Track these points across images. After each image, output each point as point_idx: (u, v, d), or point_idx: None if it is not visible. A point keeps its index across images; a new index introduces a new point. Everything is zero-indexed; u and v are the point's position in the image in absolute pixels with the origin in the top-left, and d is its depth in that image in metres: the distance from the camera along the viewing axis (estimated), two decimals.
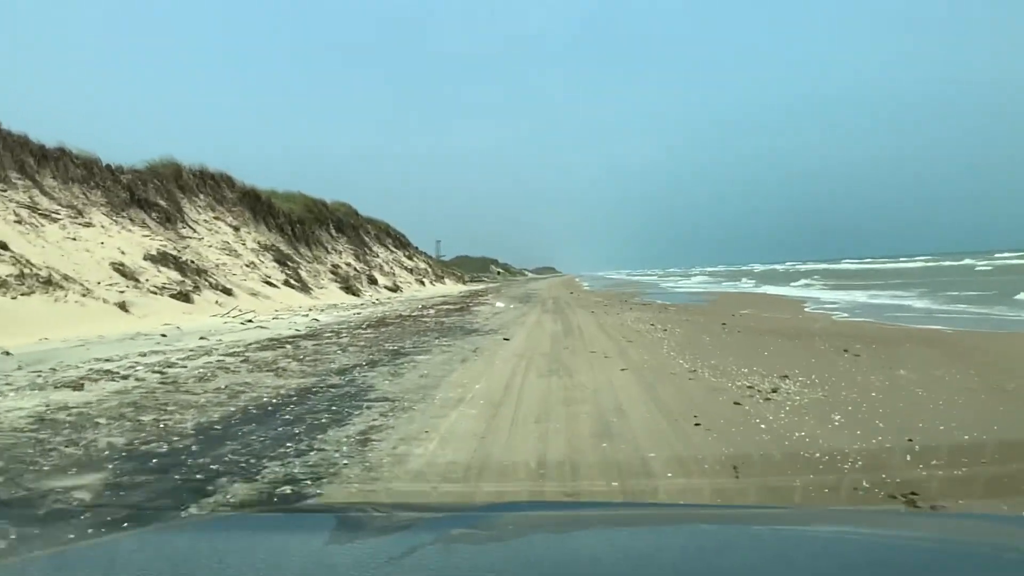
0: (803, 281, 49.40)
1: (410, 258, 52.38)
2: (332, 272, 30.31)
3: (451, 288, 50.51)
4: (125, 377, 8.30)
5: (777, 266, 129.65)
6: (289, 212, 32.25)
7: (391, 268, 42.93)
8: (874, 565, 1.14)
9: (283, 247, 29.01)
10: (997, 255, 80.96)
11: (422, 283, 45.05)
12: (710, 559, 1.21)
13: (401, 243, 54.00)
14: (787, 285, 42.71)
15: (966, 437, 5.08)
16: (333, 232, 39.07)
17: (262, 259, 25.66)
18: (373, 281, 35.55)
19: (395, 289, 37.06)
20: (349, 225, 41.98)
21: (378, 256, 43.66)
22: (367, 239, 44.96)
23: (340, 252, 36.94)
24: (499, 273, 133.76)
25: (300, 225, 32.76)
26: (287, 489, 4.11)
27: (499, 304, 25.54)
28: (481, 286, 63.07)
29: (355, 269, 35.27)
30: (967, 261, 71.39)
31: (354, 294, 29.17)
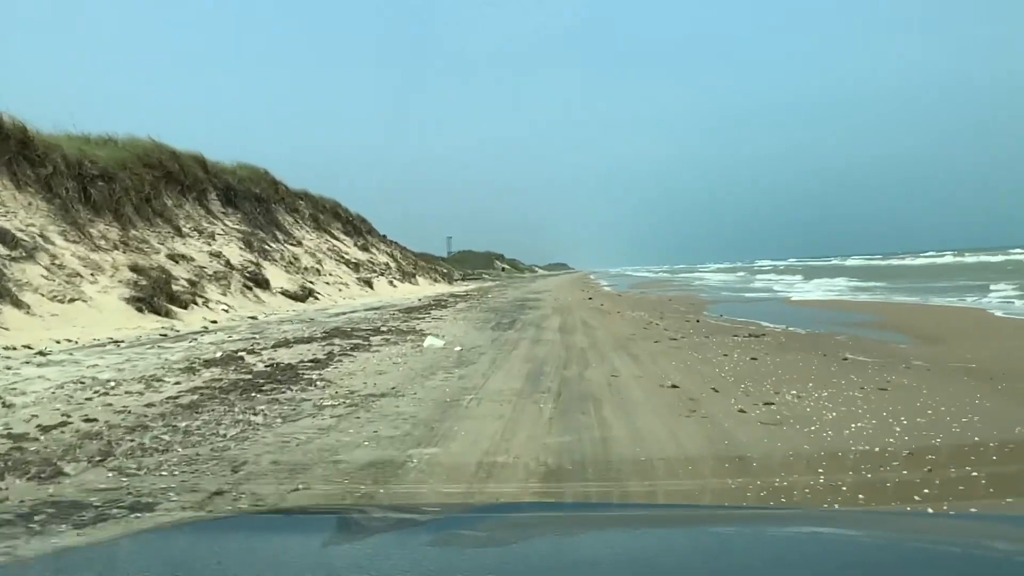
0: (877, 282, 35.31)
1: (365, 248, 37.93)
2: (136, 268, 15.85)
3: (419, 291, 36.06)
4: None
5: (779, 262, 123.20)
6: (80, 160, 17.85)
7: (316, 262, 28.41)
8: (876, 566, 1.14)
9: (16, 215, 14.63)
10: (1013, 250, 74.22)
11: (368, 285, 30.53)
12: (711, 561, 1.20)
13: (356, 229, 39.56)
14: (880, 287, 27.76)
15: None
16: (214, 205, 24.73)
17: None
18: (259, 283, 21.16)
19: (303, 296, 22.63)
20: (251, 197, 27.55)
21: (300, 244, 29.20)
22: (286, 219, 30.55)
23: (213, 235, 22.55)
24: (503, 270, 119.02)
25: (108, 183, 18.36)
26: None
27: (433, 341, 10.96)
28: (469, 287, 48.60)
29: (225, 263, 20.85)
30: (985, 259, 59.36)
31: (159, 312, 14.72)
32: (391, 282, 35.01)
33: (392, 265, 39.07)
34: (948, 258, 73.63)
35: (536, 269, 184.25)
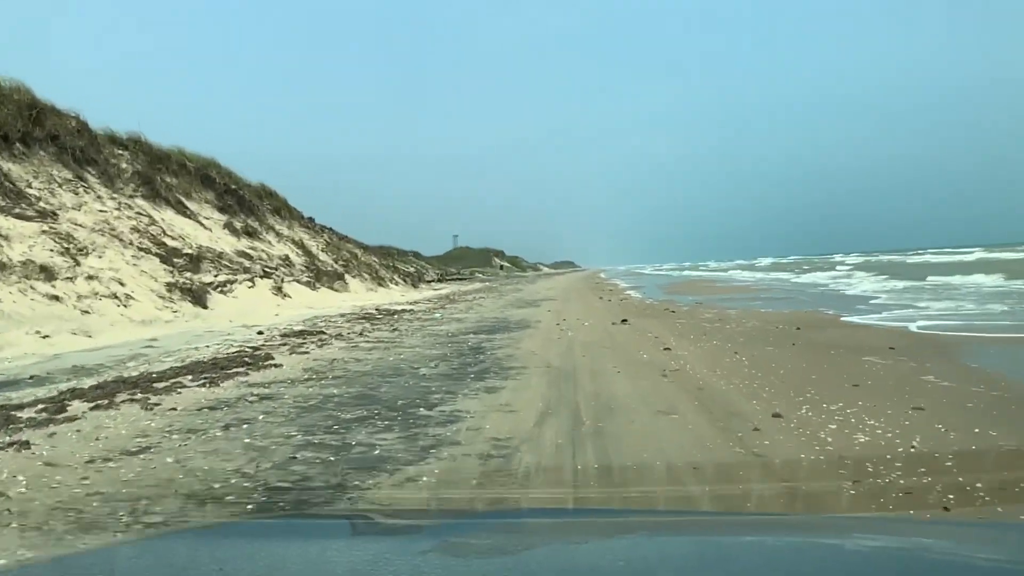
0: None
1: (250, 234, 23.30)
2: None
3: (333, 303, 21.51)
4: None
5: (778, 259, 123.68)
6: None
7: (62, 252, 13.74)
8: (877, 573, 1.14)
9: None
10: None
11: (194, 297, 15.87)
12: (712, 568, 1.20)
13: (243, 204, 24.94)
14: None
15: None
16: None
17: None
18: None
19: None
20: None
21: (51, 216, 14.62)
22: (45, 170, 16.02)
23: None
24: (501, 268, 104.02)
25: None
26: None
27: None
28: (441, 291, 34.00)
29: None
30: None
31: None
32: (278, 289, 20.37)
33: (297, 261, 24.40)
34: (976, 254, 60.94)
35: (541, 267, 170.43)
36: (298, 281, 22.99)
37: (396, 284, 34.33)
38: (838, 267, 54.40)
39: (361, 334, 12.28)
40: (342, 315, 16.91)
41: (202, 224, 20.90)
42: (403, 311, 19.42)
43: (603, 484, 4.06)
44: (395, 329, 13.37)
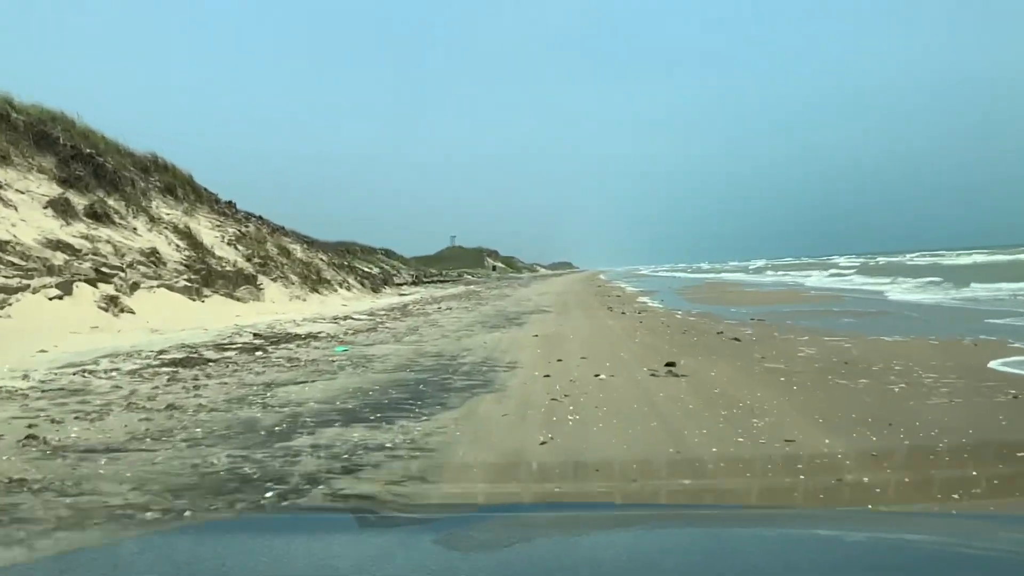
0: None
1: (97, 217, 15.86)
2: None
3: (188, 324, 14.08)
4: None
5: (772, 260, 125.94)
6: None
7: None
8: (877, 566, 1.13)
9: None
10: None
11: None
12: (712, 562, 1.18)
13: (103, 176, 17.53)
14: None
15: None
16: None
17: None
18: None
19: None
20: None
21: None
22: None
23: None
24: (494, 268, 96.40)
25: None
26: None
27: None
28: (408, 298, 26.65)
29: None
30: None
31: None
32: (113, 300, 13.02)
33: (174, 257, 16.97)
34: (975, 257, 57.49)
35: (539, 268, 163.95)
36: (169, 287, 15.62)
37: (347, 289, 26.92)
38: (845, 269, 50.23)
39: (33, 441, 4.95)
40: (164, 351, 9.56)
41: (1, 199, 13.52)
42: (299, 336, 12.07)
43: None
44: (173, 407, 6.01)
